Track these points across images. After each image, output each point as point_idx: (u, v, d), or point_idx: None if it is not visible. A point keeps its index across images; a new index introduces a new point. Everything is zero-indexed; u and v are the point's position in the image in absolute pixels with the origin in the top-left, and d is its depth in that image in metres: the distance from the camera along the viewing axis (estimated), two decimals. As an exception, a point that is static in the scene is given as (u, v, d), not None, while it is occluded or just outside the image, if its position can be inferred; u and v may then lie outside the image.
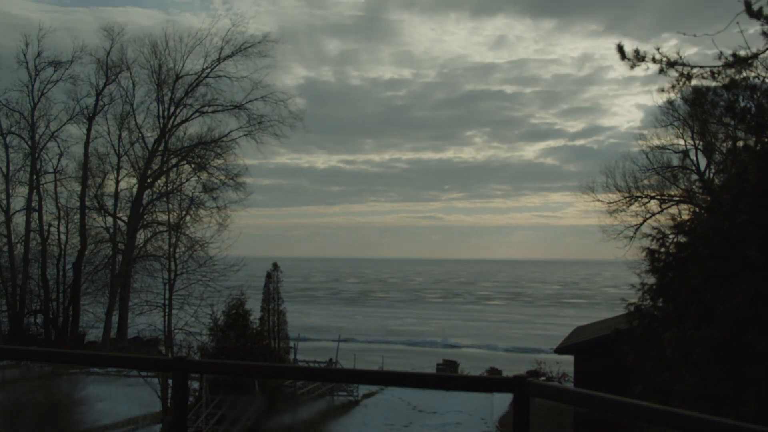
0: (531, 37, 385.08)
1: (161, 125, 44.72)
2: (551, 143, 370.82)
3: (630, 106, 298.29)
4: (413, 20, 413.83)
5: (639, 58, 11.41)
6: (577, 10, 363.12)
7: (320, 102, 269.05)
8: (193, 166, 45.46)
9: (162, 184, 44.89)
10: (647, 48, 11.53)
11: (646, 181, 35.10)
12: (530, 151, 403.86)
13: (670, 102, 32.18)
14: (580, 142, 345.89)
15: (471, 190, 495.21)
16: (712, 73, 11.40)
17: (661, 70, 11.50)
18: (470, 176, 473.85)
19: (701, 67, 11.56)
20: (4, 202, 43.04)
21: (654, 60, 11.40)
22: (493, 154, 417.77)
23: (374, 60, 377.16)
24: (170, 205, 44.22)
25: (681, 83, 11.70)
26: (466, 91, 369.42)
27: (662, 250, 13.92)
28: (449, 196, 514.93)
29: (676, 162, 34.95)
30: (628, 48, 11.67)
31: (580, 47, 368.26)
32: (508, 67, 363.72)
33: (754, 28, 10.52)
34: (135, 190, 44.77)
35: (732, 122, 17.15)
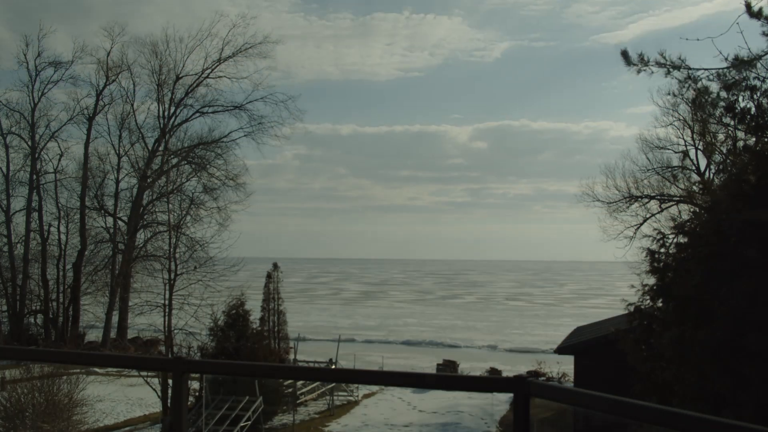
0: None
1: (161, 125, 44.75)
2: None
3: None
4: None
5: (644, 62, 11.39)
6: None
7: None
8: (193, 166, 45.47)
9: (162, 184, 44.88)
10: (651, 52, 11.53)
11: (646, 181, 35.14)
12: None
13: (670, 102, 32.29)
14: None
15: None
16: (718, 75, 11.40)
17: (668, 73, 11.49)
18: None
19: (706, 69, 11.56)
20: (4, 202, 43.07)
21: (658, 64, 11.39)
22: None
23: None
24: (170, 205, 44.21)
25: (687, 85, 11.70)
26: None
27: (662, 250, 13.92)
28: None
29: (676, 162, 35.00)
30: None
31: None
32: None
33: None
34: (135, 190, 44.79)
35: (732, 122, 17.16)
